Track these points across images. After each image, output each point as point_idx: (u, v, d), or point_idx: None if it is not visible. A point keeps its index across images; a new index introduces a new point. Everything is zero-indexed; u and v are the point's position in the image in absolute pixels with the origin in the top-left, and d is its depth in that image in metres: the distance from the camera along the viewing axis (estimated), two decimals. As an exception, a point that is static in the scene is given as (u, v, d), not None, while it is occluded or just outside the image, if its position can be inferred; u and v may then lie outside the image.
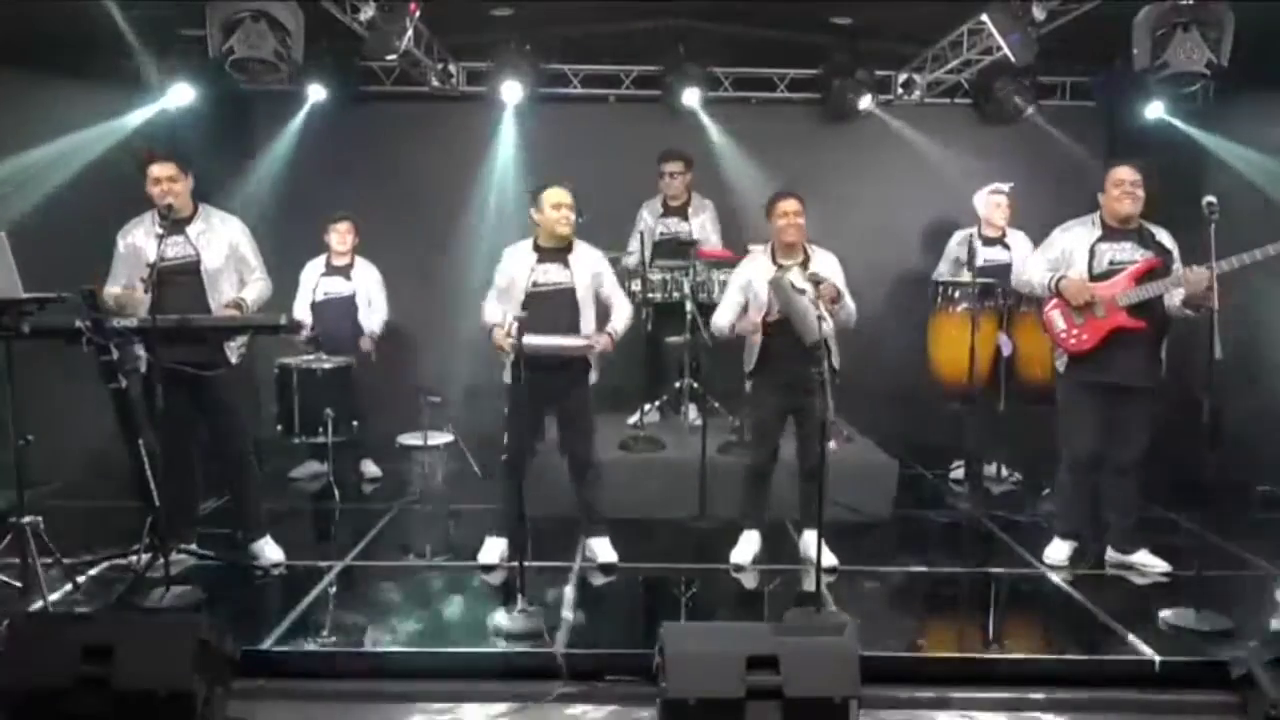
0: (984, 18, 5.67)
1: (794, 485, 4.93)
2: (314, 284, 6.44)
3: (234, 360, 4.71)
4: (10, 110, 5.99)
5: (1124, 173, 4.62)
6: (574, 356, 4.70)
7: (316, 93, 7.05)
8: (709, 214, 6.72)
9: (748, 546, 4.96)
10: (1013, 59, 5.64)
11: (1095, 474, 4.86)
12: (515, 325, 4.26)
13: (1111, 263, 4.66)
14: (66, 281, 4.24)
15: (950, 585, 4.76)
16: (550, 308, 4.60)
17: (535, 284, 4.70)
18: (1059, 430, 4.93)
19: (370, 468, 6.65)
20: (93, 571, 4.59)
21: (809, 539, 4.84)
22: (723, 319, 4.91)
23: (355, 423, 6.06)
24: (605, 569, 4.88)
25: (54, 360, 4.55)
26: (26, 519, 4.27)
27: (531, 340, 4.32)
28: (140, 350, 4.48)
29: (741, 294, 4.88)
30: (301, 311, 6.30)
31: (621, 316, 4.86)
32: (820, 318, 4.24)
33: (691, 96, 7.18)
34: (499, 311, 4.74)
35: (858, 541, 5.19)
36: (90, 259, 4.77)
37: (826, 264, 4.76)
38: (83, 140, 6.16)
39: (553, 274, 4.72)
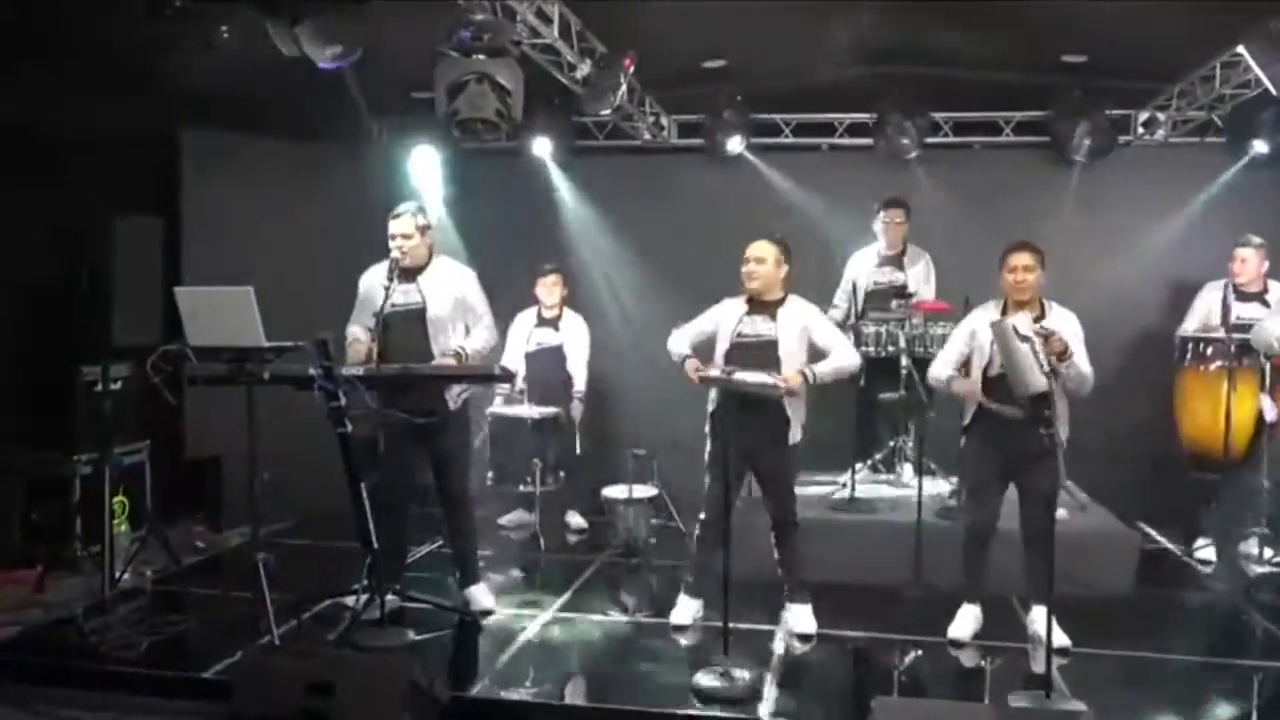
0: (1240, 49, 5.18)
1: (1020, 556, 4.57)
2: (526, 335, 6.60)
3: (453, 407, 4.84)
4: (265, 173, 6.61)
5: None
6: (774, 409, 4.57)
7: (536, 148, 7.29)
8: (925, 265, 6.45)
9: (967, 621, 4.63)
10: (1275, 92, 5.11)
11: None
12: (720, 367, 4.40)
13: None
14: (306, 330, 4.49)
15: (1201, 675, 4.25)
16: (751, 360, 4.53)
17: (740, 334, 4.69)
18: None
19: (575, 519, 6.69)
20: (316, 608, 4.79)
21: (1037, 616, 4.46)
22: (941, 370, 4.67)
23: (562, 473, 6.14)
24: (804, 638, 4.68)
25: (292, 404, 4.84)
26: (260, 555, 4.53)
27: (717, 373, 4.38)
28: (367, 398, 4.69)
29: (965, 344, 4.64)
30: (513, 361, 6.45)
31: (834, 360, 4.68)
32: (1046, 373, 3.93)
33: (907, 143, 6.92)
34: (688, 344, 4.74)
35: (1093, 621, 4.71)
36: (331, 310, 5.04)
37: (1065, 323, 4.42)
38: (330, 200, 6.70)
39: (758, 326, 4.68)
